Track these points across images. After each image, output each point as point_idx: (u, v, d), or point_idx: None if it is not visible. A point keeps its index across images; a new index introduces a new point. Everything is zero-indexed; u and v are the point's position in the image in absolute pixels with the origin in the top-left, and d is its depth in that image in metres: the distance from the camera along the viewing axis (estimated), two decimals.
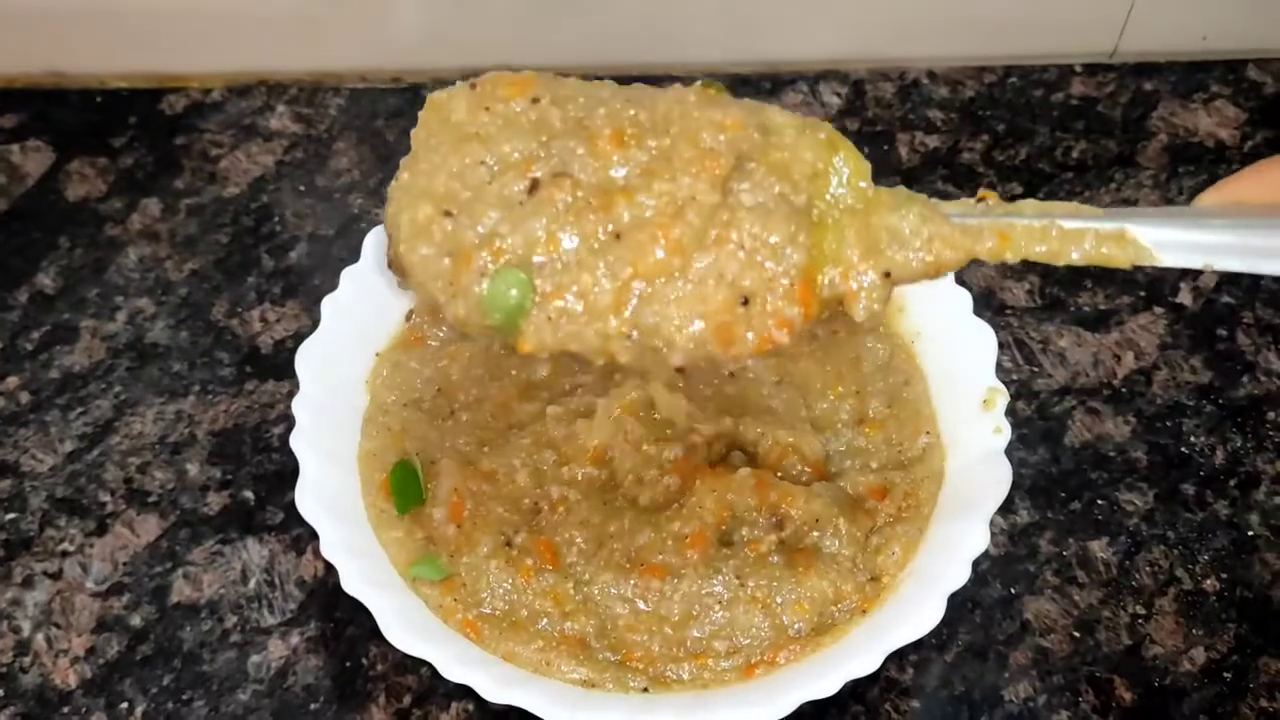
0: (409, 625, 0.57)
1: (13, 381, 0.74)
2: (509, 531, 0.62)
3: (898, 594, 0.60)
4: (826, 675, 0.56)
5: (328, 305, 0.67)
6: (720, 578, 0.60)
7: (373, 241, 0.70)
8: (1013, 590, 0.67)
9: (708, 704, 0.57)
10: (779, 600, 0.60)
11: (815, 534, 0.62)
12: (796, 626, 0.60)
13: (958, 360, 0.67)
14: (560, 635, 0.60)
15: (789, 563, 0.61)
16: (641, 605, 0.60)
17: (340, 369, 0.66)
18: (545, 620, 0.60)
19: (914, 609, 0.58)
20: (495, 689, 0.56)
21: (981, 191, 0.51)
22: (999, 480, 0.61)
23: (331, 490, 0.62)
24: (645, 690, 0.59)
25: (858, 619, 0.60)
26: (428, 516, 0.63)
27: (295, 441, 0.62)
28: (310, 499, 0.60)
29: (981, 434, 0.64)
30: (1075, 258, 0.49)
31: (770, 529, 0.62)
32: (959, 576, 0.58)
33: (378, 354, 0.69)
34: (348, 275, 0.68)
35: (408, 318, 0.70)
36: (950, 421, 0.66)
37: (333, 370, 0.66)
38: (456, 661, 0.57)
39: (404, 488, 0.63)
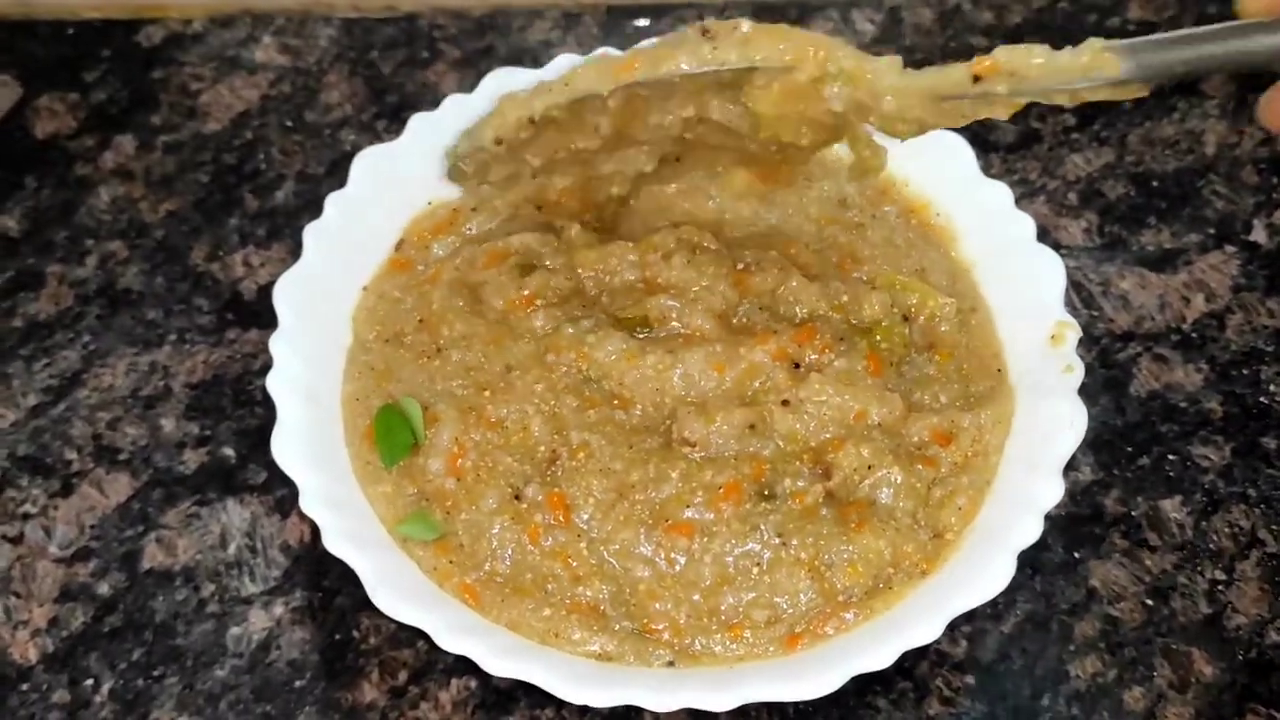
0: (398, 589, 0.51)
1: None
2: (518, 483, 0.56)
3: (961, 552, 0.53)
4: (881, 646, 0.50)
5: (310, 234, 0.61)
6: (759, 535, 0.54)
7: (362, 166, 0.63)
8: (1076, 554, 0.60)
9: (744, 680, 0.51)
10: (828, 561, 0.53)
11: (868, 484, 0.55)
12: (848, 591, 0.53)
13: (1022, 292, 0.61)
14: (571, 602, 0.54)
15: (839, 517, 0.54)
16: (666, 568, 0.54)
17: (323, 303, 0.60)
18: (553, 585, 0.54)
19: (980, 569, 0.52)
20: (498, 661, 0.50)
21: (976, 64, 0.49)
22: (1073, 423, 0.55)
23: (313, 438, 0.56)
24: (671, 664, 0.52)
25: (917, 581, 0.54)
26: (420, 469, 0.57)
27: (272, 382, 0.56)
28: (288, 447, 0.54)
29: (1050, 372, 0.57)
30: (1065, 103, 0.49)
31: (816, 478, 0.55)
32: (1030, 532, 0.52)
33: (364, 287, 0.62)
34: (333, 201, 0.62)
35: (398, 247, 0.64)
36: (1016, 359, 0.60)
37: (315, 305, 0.60)
38: (453, 630, 0.50)
39: (390, 435, 0.57)
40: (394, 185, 0.64)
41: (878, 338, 0.59)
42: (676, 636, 0.53)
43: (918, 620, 0.51)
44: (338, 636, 0.58)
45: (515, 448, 0.56)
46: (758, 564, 0.54)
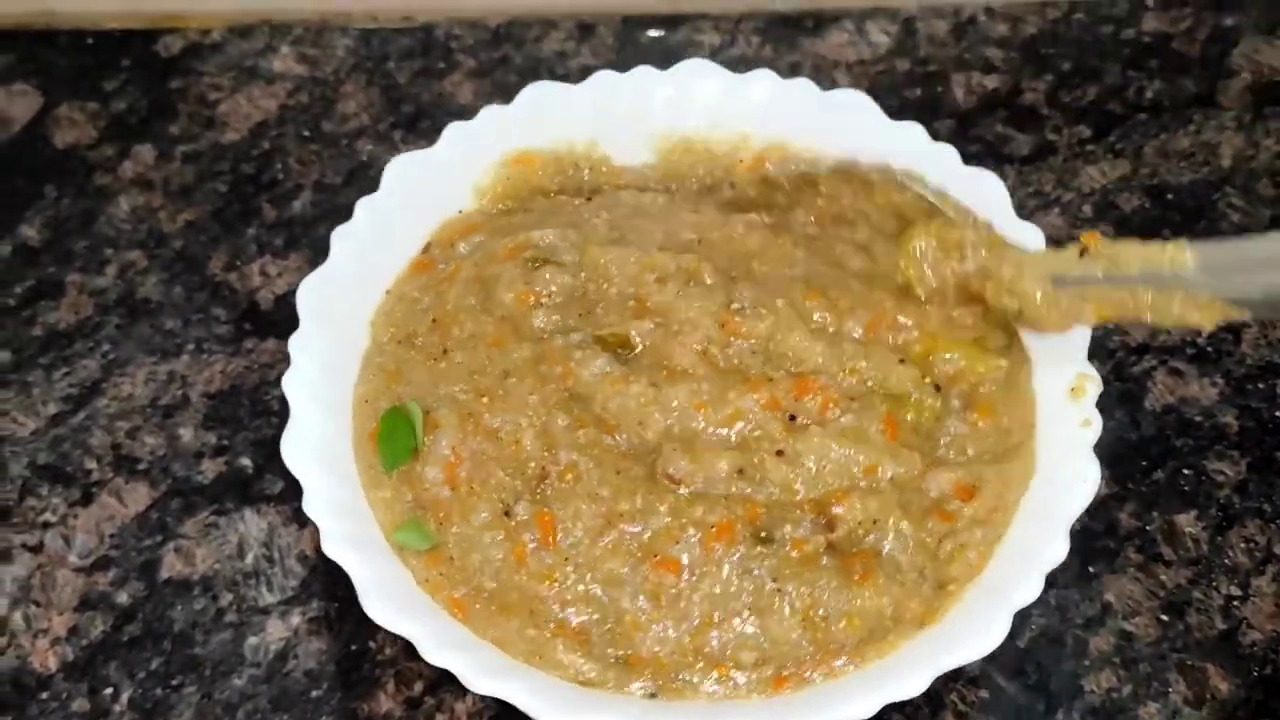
0: (390, 597, 0.51)
1: None
2: (509, 499, 0.55)
3: (962, 604, 0.53)
4: (866, 695, 0.49)
5: (338, 237, 0.61)
6: (752, 578, 0.52)
7: (394, 172, 0.64)
8: (1091, 569, 0.60)
9: (724, 716, 0.50)
10: (822, 613, 0.52)
11: (873, 538, 0.54)
12: (842, 642, 0.52)
13: (1046, 341, 0.58)
14: (556, 625, 0.53)
15: (842, 568, 0.53)
16: (651, 602, 0.53)
17: (345, 306, 0.60)
18: (539, 606, 0.53)
19: (976, 625, 0.51)
20: (479, 679, 0.50)
21: (1083, 239, 0.54)
22: (1086, 480, 0.53)
23: (323, 440, 0.56)
24: (653, 696, 0.52)
25: (913, 632, 0.52)
26: (418, 475, 0.56)
27: (287, 383, 0.56)
28: (297, 447, 0.54)
29: (1069, 426, 0.56)
30: (1157, 320, 0.53)
31: (818, 528, 0.54)
32: (1030, 591, 0.51)
33: (386, 291, 0.62)
34: (363, 205, 0.62)
35: (425, 250, 0.64)
36: (1040, 410, 0.58)
37: (337, 307, 0.60)
38: (440, 644, 0.50)
39: (392, 439, 0.57)
40: (425, 192, 0.64)
41: (906, 413, 0.57)
42: (660, 669, 0.52)
43: (908, 672, 0.50)
44: (354, 647, 0.58)
45: (508, 460, 0.56)
46: (749, 607, 0.52)
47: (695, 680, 0.52)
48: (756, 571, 0.53)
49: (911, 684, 0.50)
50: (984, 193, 0.63)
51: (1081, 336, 0.58)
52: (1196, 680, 0.58)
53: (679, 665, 0.52)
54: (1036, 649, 0.58)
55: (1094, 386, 0.57)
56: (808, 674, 0.52)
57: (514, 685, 0.50)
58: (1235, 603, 0.60)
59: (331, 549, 0.52)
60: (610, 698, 0.51)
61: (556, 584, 0.54)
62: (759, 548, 0.53)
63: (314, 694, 0.57)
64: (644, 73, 0.67)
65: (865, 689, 0.50)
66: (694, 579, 0.53)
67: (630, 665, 0.52)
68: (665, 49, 0.81)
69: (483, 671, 0.50)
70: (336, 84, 0.80)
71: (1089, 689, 0.57)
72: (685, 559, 0.53)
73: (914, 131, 0.65)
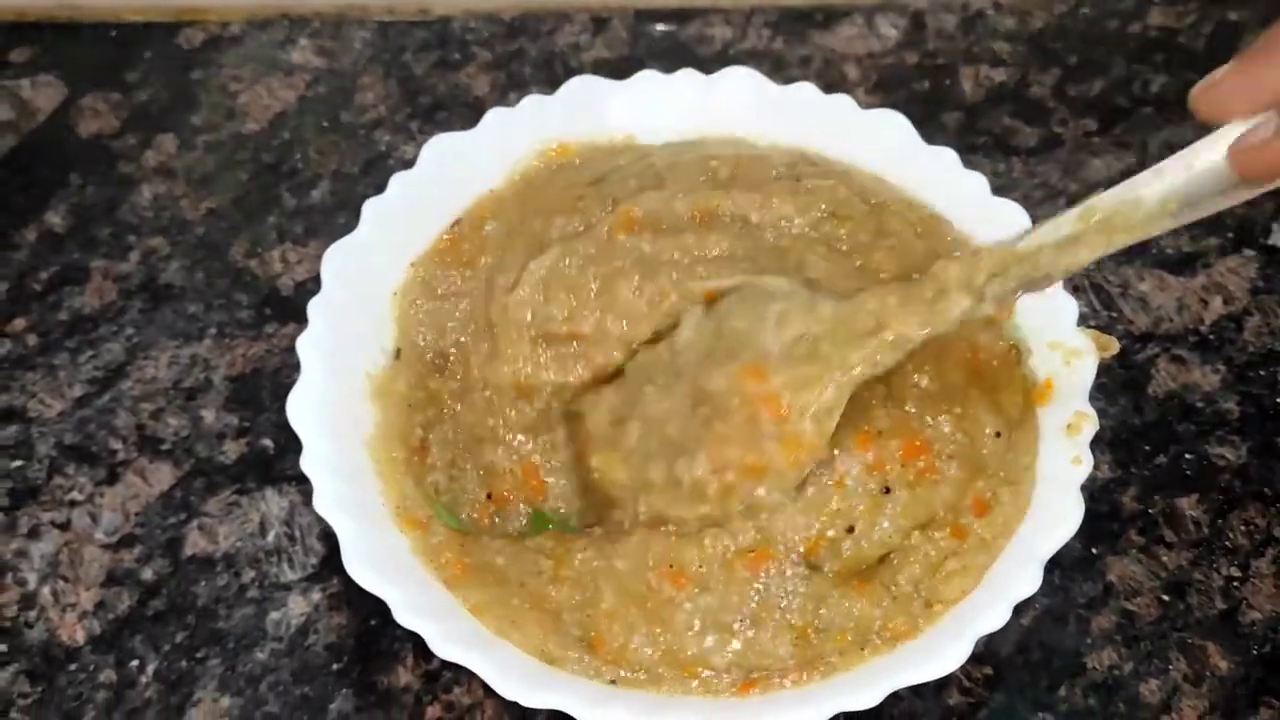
0: (373, 560, 0.52)
1: (20, 323, 0.70)
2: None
3: (936, 626, 0.52)
4: (820, 704, 0.49)
5: (369, 208, 0.62)
6: (764, 597, 0.51)
7: (432, 151, 0.64)
8: (1094, 550, 0.62)
9: (682, 708, 0.50)
10: (819, 626, 0.51)
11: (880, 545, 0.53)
12: (828, 655, 0.51)
13: (1052, 376, 0.58)
14: (537, 599, 0.53)
15: (842, 577, 0.52)
16: (632, 605, 0.52)
17: (369, 275, 0.61)
18: (531, 580, 0.53)
19: (939, 646, 0.51)
20: (445, 645, 0.50)
21: None
22: (1067, 518, 0.52)
23: (328, 400, 0.56)
24: (613, 683, 0.51)
25: (884, 649, 0.52)
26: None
27: (302, 343, 0.57)
28: (303, 405, 0.55)
29: (1059, 463, 0.54)
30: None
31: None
32: (996, 619, 0.51)
33: (412, 264, 0.63)
34: (398, 180, 0.63)
35: (454, 225, 0.64)
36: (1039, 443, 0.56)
37: (361, 274, 0.61)
38: (410, 608, 0.51)
39: None
40: (461, 173, 0.65)
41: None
42: (624, 661, 0.51)
43: (863, 686, 0.50)
44: (373, 622, 0.60)
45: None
46: (741, 620, 0.51)
47: (660, 674, 0.51)
48: (774, 589, 0.51)
49: (866, 697, 0.49)
50: (1007, 223, 0.61)
51: (1085, 379, 0.57)
52: (1196, 658, 0.59)
53: (646, 659, 0.51)
54: (1041, 627, 0.59)
55: (1090, 425, 0.55)
56: (779, 682, 0.51)
57: (477, 655, 0.50)
58: (1235, 583, 0.61)
59: (322, 507, 0.53)
60: (571, 679, 0.51)
61: (557, 562, 0.54)
62: (803, 572, 0.52)
63: (334, 667, 0.59)
64: (686, 75, 0.67)
65: (822, 697, 0.50)
66: (695, 592, 0.51)
67: (594, 647, 0.52)
68: (677, 43, 0.83)
69: (450, 639, 0.50)
70: (354, 76, 0.81)
71: (1091, 666, 0.58)
72: (700, 573, 0.52)
73: (947, 157, 0.64)
